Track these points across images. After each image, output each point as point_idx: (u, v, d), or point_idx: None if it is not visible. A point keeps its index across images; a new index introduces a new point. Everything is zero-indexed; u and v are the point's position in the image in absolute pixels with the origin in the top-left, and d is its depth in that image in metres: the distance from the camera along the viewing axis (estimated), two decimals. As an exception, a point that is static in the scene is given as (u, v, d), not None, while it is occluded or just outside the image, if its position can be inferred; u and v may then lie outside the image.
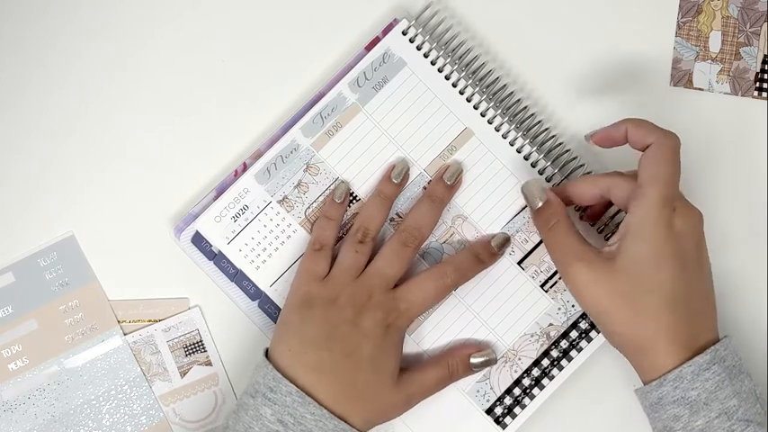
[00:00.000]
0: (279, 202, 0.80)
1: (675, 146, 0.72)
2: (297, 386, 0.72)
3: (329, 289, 0.76)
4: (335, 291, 0.76)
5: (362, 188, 0.81)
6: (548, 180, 0.81)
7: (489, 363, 0.79)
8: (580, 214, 0.81)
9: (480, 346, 0.80)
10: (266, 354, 0.76)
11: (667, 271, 0.71)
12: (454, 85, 0.81)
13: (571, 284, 0.74)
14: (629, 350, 0.73)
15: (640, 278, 0.71)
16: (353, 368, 0.74)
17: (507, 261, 0.81)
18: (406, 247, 0.78)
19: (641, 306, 0.71)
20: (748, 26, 0.85)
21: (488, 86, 0.82)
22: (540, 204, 0.76)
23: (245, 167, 0.81)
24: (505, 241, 0.81)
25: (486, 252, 0.80)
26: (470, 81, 0.82)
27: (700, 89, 0.85)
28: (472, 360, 0.79)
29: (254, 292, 0.80)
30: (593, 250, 0.74)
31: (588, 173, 0.82)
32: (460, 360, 0.79)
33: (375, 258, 0.78)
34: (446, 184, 0.80)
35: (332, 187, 0.80)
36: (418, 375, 0.77)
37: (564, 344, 0.81)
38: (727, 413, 0.70)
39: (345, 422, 0.73)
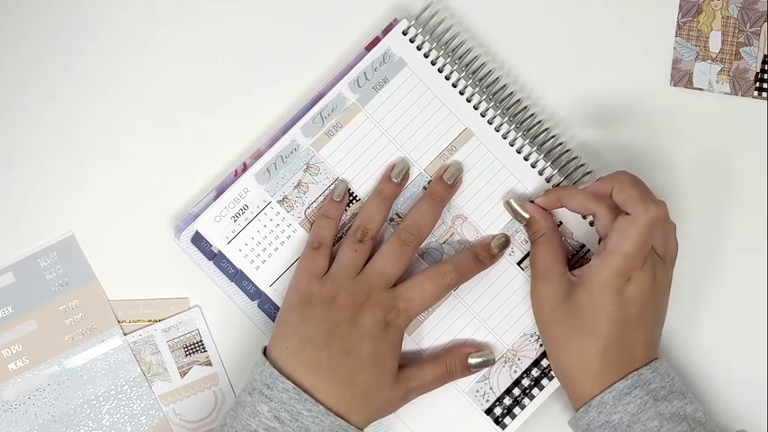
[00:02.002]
0: (279, 202, 0.80)
1: (651, 223, 0.73)
2: (295, 384, 0.73)
3: (328, 287, 0.76)
4: (335, 289, 0.76)
5: (362, 188, 0.81)
6: (547, 180, 0.81)
7: (487, 364, 0.79)
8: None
9: (479, 347, 0.80)
10: (264, 352, 0.76)
11: (605, 327, 0.74)
12: (454, 86, 0.81)
13: (531, 294, 0.79)
14: (560, 374, 0.78)
15: (581, 321, 0.75)
16: (352, 366, 0.74)
17: (507, 261, 0.81)
18: (406, 247, 0.78)
19: (575, 342, 0.75)
20: (748, 26, 0.85)
21: (488, 86, 0.82)
22: (527, 218, 0.79)
23: (245, 167, 0.81)
24: (505, 242, 0.81)
25: (486, 253, 0.80)
26: (470, 81, 0.82)
27: (700, 89, 0.85)
28: (470, 360, 0.79)
29: (253, 292, 0.80)
30: (560, 273, 0.77)
31: (588, 173, 0.82)
32: (459, 359, 0.79)
33: (374, 257, 0.78)
34: (446, 183, 0.80)
35: (332, 187, 0.81)
36: (417, 372, 0.78)
37: (563, 344, 0.81)
38: None
39: (344, 420, 0.73)
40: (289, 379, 0.73)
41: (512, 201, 0.80)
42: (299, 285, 0.77)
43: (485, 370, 0.80)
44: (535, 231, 0.79)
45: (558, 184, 0.81)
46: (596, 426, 0.74)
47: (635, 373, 0.74)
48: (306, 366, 0.74)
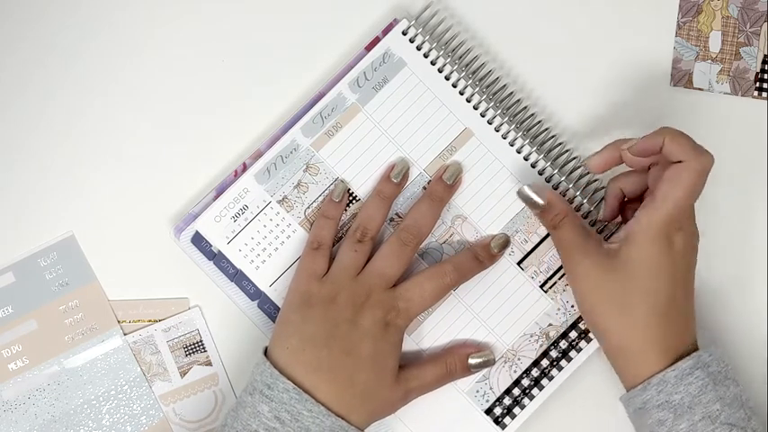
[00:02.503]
0: (278, 202, 0.80)
1: (703, 170, 0.73)
2: (295, 384, 0.73)
3: (328, 288, 0.76)
4: (335, 289, 0.76)
5: (362, 188, 0.81)
6: (547, 180, 0.81)
7: (487, 364, 0.79)
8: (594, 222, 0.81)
9: (480, 347, 0.80)
10: (265, 352, 0.76)
11: (660, 281, 0.73)
12: (454, 86, 0.81)
13: (570, 275, 0.76)
14: (613, 351, 0.75)
15: (633, 282, 0.73)
16: (353, 367, 0.74)
17: (507, 261, 0.81)
18: (406, 247, 0.78)
19: (629, 308, 0.73)
20: (748, 26, 0.85)
21: (488, 86, 0.82)
22: (543, 205, 0.76)
23: (244, 167, 0.81)
24: (505, 242, 0.81)
25: (486, 253, 0.80)
26: (470, 81, 0.82)
27: (700, 89, 0.85)
28: (470, 361, 0.79)
29: (253, 292, 0.80)
30: (597, 245, 0.75)
31: (588, 173, 0.82)
32: (459, 360, 0.79)
33: (374, 257, 0.78)
34: (446, 183, 0.80)
35: (331, 188, 0.81)
36: (417, 372, 0.77)
37: (563, 344, 0.81)
38: (710, 417, 0.72)
39: (344, 420, 0.73)
40: (289, 379, 0.73)
41: (525, 188, 0.77)
42: (299, 286, 0.77)
43: (485, 370, 0.80)
44: (556, 215, 0.76)
45: (558, 184, 0.81)
46: (654, 405, 0.73)
47: (695, 354, 0.73)
48: (306, 366, 0.74)
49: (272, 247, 0.80)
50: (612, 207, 0.79)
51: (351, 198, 0.81)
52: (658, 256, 0.73)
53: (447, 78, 0.81)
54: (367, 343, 0.75)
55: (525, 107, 0.83)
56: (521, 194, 0.77)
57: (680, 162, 0.73)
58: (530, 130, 0.82)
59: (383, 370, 0.76)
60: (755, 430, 0.72)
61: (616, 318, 0.74)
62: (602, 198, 0.81)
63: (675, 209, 0.72)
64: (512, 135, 0.81)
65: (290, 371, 0.74)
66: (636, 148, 0.75)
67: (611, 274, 0.74)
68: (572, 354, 0.81)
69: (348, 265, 0.77)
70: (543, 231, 0.81)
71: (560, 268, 0.81)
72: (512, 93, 0.83)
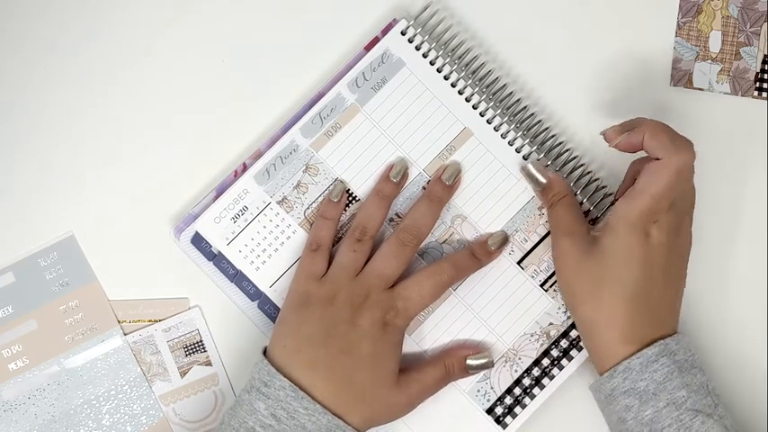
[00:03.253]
0: (278, 202, 0.80)
1: (681, 167, 0.74)
2: (292, 382, 0.73)
3: (327, 288, 0.76)
4: (333, 290, 0.76)
5: (362, 188, 0.81)
6: (547, 180, 0.81)
7: (486, 366, 0.79)
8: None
9: (478, 348, 0.80)
10: (265, 352, 0.76)
11: (632, 270, 0.74)
12: (453, 85, 0.81)
13: (554, 250, 0.79)
14: (584, 329, 0.77)
15: (608, 268, 0.75)
16: (351, 366, 0.74)
17: (507, 261, 0.81)
18: (405, 247, 0.78)
19: (602, 292, 0.75)
20: (748, 26, 0.85)
21: (488, 86, 0.82)
22: (544, 183, 0.79)
23: (244, 168, 0.81)
24: (503, 240, 0.81)
25: (483, 250, 0.80)
26: (469, 81, 0.82)
27: (700, 89, 0.85)
28: (468, 362, 0.79)
29: (253, 293, 0.80)
30: (583, 229, 0.78)
31: (588, 173, 0.82)
32: (457, 361, 0.79)
33: (373, 258, 0.78)
34: (445, 184, 0.80)
35: (330, 188, 0.81)
36: (417, 375, 0.77)
37: (564, 343, 0.81)
38: (675, 403, 0.73)
39: (341, 419, 0.73)
40: (286, 377, 0.73)
41: (529, 165, 0.80)
42: (298, 287, 0.78)
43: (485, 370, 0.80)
44: (555, 194, 0.79)
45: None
46: (620, 392, 0.74)
47: (661, 342, 0.74)
48: (303, 365, 0.74)
49: (272, 248, 0.80)
50: (626, 187, 0.79)
51: (350, 198, 0.81)
52: (632, 247, 0.74)
53: (446, 78, 0.81)
54: (366, 343, 0.75)
55: (525, 107, 0.83)
56: (524, 171, 0.80)
57: (658, 159, 0.74)
58: (529, 129, 0.82)
59: (382, 370, 0.76)
60: (722, 416, 0.74)
61: (589, 297, 0.76)
62: (602, 198, 0.81)
63: (651, 201, 0.74)
64: (511, 135, 0.81)
65: (287, 370, 0.74)
66: (621, 145, 0.76)
67: (588, 258, 0.76)
68: (573, 353, 0.80)
69: (347, 266, 0.77)
70: (543, 230, 0.81)
71: (560, 267, 0.81)
72: (511, 92, 0.83)
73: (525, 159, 0.81)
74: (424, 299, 0.77)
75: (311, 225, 0.80)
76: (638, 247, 0.74)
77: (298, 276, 0.78)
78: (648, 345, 0.74)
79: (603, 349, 0.76)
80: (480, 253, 0.80)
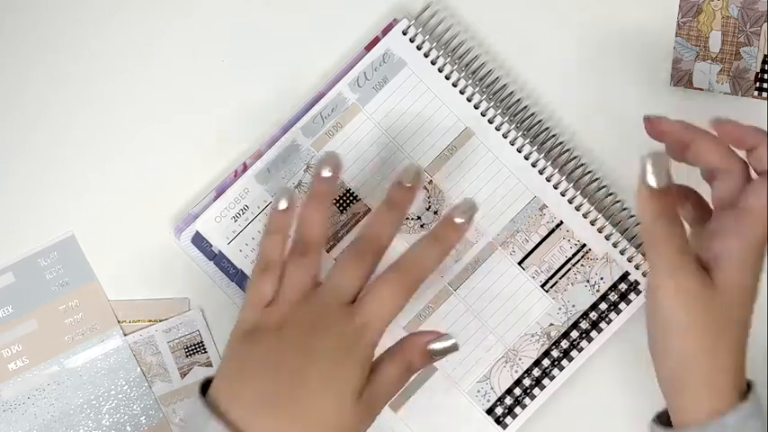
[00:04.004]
0: (279, 202, 0.80)
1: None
2: (230, 426, 0.64)
3: (276, 315, 0.69)
4: (283, 316, 0.69)
5: (362, 189, 0.81)
6: (547, 180, 0.81)
7: (452, 349, 0.70)
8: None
9: (437, 332, 0.71)
10: (207, 384, 0.69)
11: (747, 310, 0.67)
12: (454, 85, 0.81)
13: (653, 296, 0.68)
14: (681, 382, 0.68)
15: (733, 310, 0.66)
16: (304, 397, 0.66)
17: (508, 261, 0.81)
18: (362, 257, 0.70)
19: (724, 341, 0.66)
20: (748, 26, 0.85)
21: (488, 86, 0.82)
22: (661, 187, 0.65)
23: (245, 167, 0.81)
24: (468, 208, 0.72)
25: (446, 229, 0.71)
26: (470, 81, 0.82)
27: (700, 89, 0.85)
28: (433, 347, 0.70)
29: (254, 293, 0.80)
30: (692, 264, 0.66)
31: (588, 173, 0.82)
32: (417, 350, 0.70)
33: (329, 272, 0.70)
34: (405, 187, 0.73)
35: (276, 196, 0.75)
36: (377, 377, 0.68)
37: (564, 344, 0.81)
38: None
39: None
40: (223, 418, 0.65)
41: (648, 165, 0.66)
42: (244, 318, 0.70)
43: (484, 369, 0.80)
44: (665, 205, 0.66)
45: (558, 184, 0.81)
46: None
47: (753, 397, 0.66)
48: (246, 403, 0.66)
49: (273, 248, 0.80)
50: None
51: (351, 198, 0.81)
52: (757, 279, 0.67)
53: (447, 78, 0.81)
54: (322, 368, 0.66)
55: (525, 107, 0.83)
56: (653, 158, 0.66)
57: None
58: (530, 129, 0.82)
59: (341, 395, 0.66)
60: None
61: (710, 346, 0.66)
62: (603, 199, 0.81)
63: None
64: (512, 135, 0.81)
65: (228, 409, 0.66)
66: (666, 139, 0.71)
67: (709, 304, 0.66)
68: (573, 353, 0.81)
69: (298, 285, 0.70)
70: (544, 231, 0.81)
71: (561, 267, 0.81)
72: (512, 92, 0.83)
73: (526, 159, 0.81)
74: (388, 309, 0.68)
75: (311, 225, 0.79)
76: (753, 285, 0.66)
77: (244, 303, 0.71)
78: (736, 396, 0.66)
79: (702, 397, 0.66)
80: (443, 232, 0.71)
